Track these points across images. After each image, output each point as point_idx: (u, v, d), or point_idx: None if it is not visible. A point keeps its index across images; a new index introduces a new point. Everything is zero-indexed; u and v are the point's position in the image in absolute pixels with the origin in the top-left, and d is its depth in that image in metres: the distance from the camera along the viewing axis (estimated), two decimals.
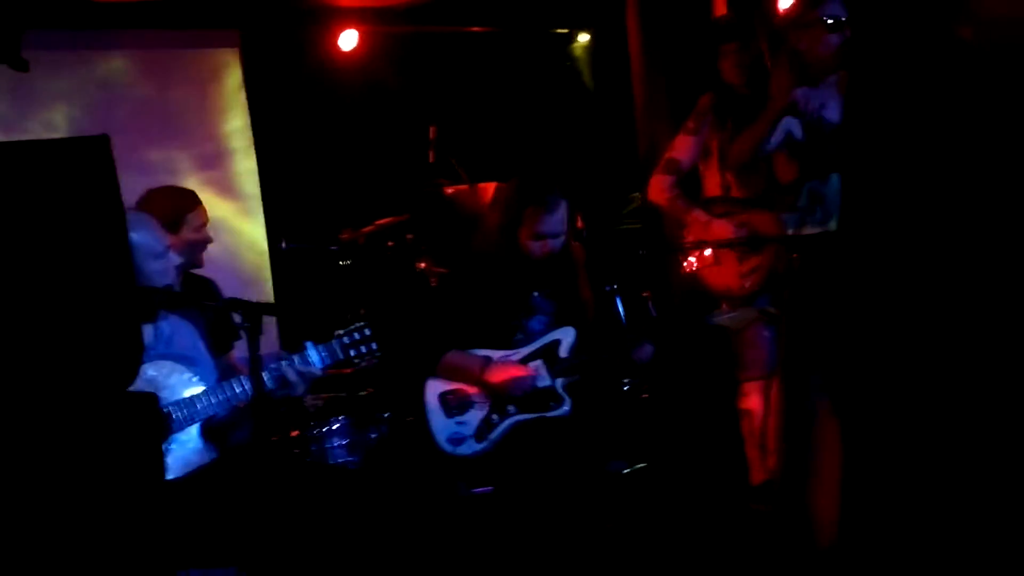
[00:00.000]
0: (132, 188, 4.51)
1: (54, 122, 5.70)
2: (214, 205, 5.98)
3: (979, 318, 2.99)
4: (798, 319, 3.81)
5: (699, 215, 4.82)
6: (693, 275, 4.80)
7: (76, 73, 5.81)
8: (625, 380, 4.75)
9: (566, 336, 4.35)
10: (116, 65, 5.94)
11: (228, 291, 4.54)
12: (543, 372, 4.29)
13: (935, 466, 3.01)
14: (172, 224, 4.15)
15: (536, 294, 4.43)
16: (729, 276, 4.73)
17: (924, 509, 3.01)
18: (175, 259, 3.77)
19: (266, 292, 6.16)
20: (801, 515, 3.59)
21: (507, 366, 4.26)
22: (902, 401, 3.06)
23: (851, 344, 3.25)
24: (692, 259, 4.76)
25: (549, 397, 4.27)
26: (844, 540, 3.26)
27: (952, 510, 2.99)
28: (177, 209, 4.33)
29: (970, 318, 2.99)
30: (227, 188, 6.20)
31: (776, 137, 4.48)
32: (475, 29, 6.71)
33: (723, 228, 4.72)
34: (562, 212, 4.29)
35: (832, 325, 3.44)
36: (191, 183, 5.50)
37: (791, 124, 4.48)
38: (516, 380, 4.22)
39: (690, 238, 4.79)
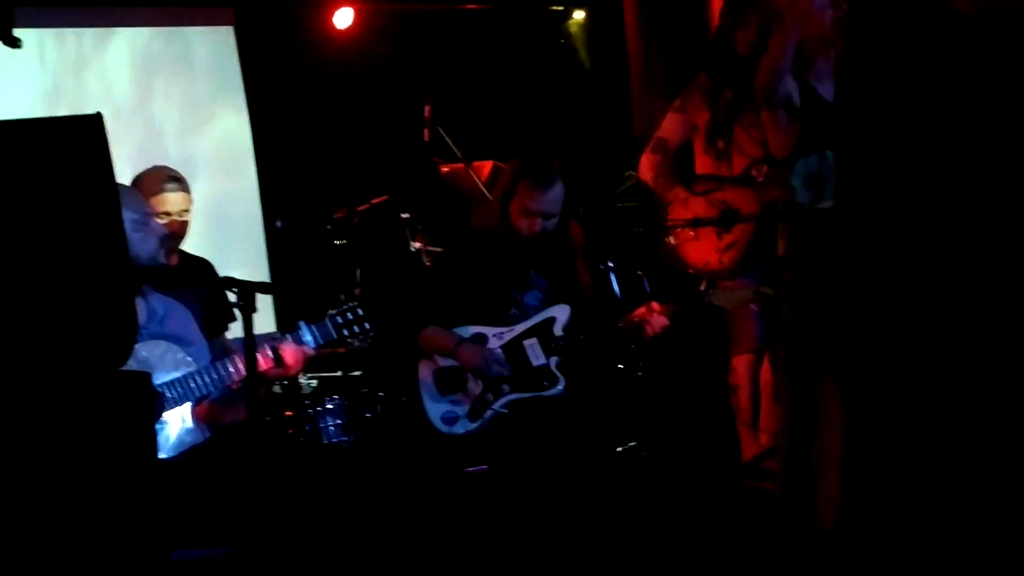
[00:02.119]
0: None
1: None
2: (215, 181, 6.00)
3: (980, 299, 2.98)
4: (799, 298, 3.80)
5: (679, 192, 4.84)
6: (673, 251, 4.82)
7: (80, 49, 5.80)
8: (620, 360, 4.76)
9: (561, 314, 4.33)
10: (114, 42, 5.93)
11: (223, 270, 4.53)
12: (538, 350, 4.28)
13: (938, 451, 3.01)
14: None
15: (532, 271, 4.42)
16: (708, 252, 4.75)
17: (926, 494, 3.01)
18: (158, 228, 3.74)
19: (261, 272, 6.15)
20: (803, 497, 3.59)
21: (480, 347, 4.24)
22: (905, 384, 3.06)
23: (853, 325, 3.24)
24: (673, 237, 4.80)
25: (543, 376, 4.26)
26: (845, 523, 3.26)
27: (955, 493, 2.98)
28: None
29: (972, 298, 2.99)
30: (226, 168, 6.20)
31: (780, 92, 4.47)
32: (471, 6, 6.69)
33: (700, 205, 4.74)
34: (556, 194, 4.25)
35: (833, 305, 3.43)
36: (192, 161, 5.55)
37: (790, 87, 4.47)
38: (484, 362, 4.20)
39: (671, 215, 4.81)
